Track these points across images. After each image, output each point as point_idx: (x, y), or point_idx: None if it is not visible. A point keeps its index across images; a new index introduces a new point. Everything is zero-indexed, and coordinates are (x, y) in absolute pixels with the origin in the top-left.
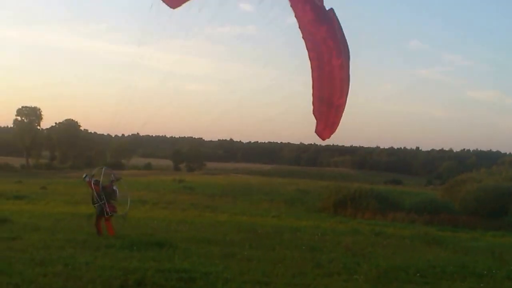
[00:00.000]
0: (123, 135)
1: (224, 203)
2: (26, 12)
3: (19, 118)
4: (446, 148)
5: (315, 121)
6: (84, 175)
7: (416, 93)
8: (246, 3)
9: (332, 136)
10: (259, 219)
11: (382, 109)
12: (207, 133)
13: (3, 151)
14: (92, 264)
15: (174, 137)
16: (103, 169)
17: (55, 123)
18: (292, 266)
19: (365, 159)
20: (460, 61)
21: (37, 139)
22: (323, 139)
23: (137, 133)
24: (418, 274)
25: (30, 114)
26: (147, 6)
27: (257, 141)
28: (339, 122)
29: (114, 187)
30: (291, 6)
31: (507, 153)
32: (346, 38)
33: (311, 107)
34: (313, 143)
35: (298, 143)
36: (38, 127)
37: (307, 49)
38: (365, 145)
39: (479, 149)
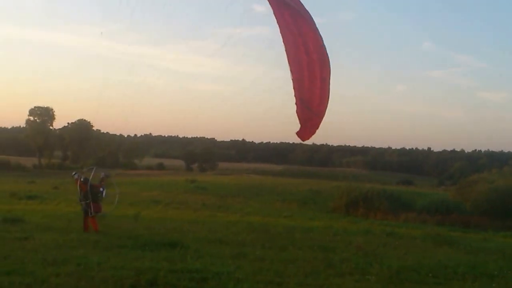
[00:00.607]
0: (135, 135)
1: (236, 203)
2: (37, 12)
3: (31, 118)
4: (458, 149)
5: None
6: (73, 173)
7: (428, 94)
8: (258, 4)
9: (344, 136)
10: (271, 219)
11: (394, 109)
12: (220, 133)
13: (16, 151)
14: (104, 264)
15: (187, 137)
16: (94, 168)
17: (68, 123)
18: (304, 266)
19: (377, 160)
20: (472, 62)
21: (50, 139)
22: (303, 140)
23: (150, 133)
24: (429, 275)
25: (43, 114)
26: (161, 7)
27: (269, 142)
28: (318, 126)
29: (101, 188)
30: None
31: None
32: (360, 39)
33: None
34: (325, 144)
35: (311, 143)
36: (51, 127)
37: (286, 51)
38: (377, 146)
39: (490, 150)
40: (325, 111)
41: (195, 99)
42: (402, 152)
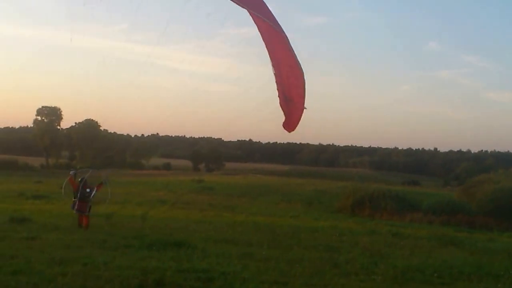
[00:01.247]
0: (142, 135)
1: (242, 203)
2: (41, 11)
3: (39, 118)
4: (464, 149)
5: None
6: (71, 171)
7: (434, 94)
8: (267, 3)
9: (351, 136)
10: (277, 219)
11: (400, 110)
12: (227, 133)
13: (23, 151)
14: (111, 264)
15: (194, 137)
16: (90, 171)
17: (75, 123)
18: (309, 266)
19: (383, 160)
20: (478, 62)
21: (57, 139)
22: (289, 131)
23: (157, 133)
24: (435, 275)
25: (50, 114)
26: (168, 7)
27: (276, 142)
28: (300, 117)
29: (88, 189)
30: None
31: None
32: (365, 39)
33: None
34: (332, 144)
35: (317, 144)
36: (58, 127)
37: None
38: (383, 146)
39: (497, 151)
40: (304, 103)
41: (202, 99)
42: (409, 152)
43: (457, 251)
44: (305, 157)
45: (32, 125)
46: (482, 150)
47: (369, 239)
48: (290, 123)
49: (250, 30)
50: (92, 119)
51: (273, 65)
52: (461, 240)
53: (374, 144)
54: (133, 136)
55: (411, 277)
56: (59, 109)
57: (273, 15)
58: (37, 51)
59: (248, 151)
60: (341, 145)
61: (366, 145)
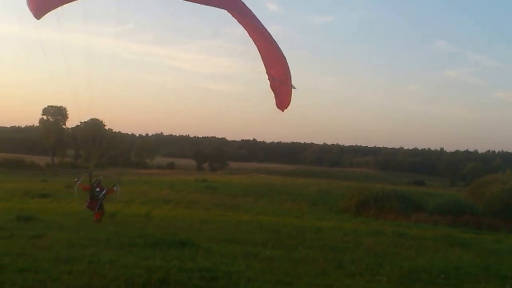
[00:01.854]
0: (147, 134)
1: (246, 203)
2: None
3: (45, 117)
4: (471, 149)
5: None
6: (76, 179)
7: (441, 94)
8: (272, 4)
9: (355, 136)
10: (281, 219)
11: (407, 109)
12: (230, 133)
13: (29, 150)
14: (116, 263)
15: (197, 136)
16: (90, 174)
17: (80, 122)
18: (314, 266)
19: (389, 160)
20: (486, 61)
21: (63, 138)
22: (282, 110)
23: (161, 133)
24: (441, 276)
25: (56, 113)
26: (173, 5)
27: (280, 141)
28: (290, 95)
29: (98, 189)
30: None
31: None
32: (371, 38)
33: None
34: (336, 144)
35: (321, 143)
36: (64, 126)
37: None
38: (389, 146)
39: (504, 151)
40: (291, 81)
41: (206, 99)
42: (414, 152)
43: (464, 252)
44: (309, 156)
45: (38, 124)
46: (489, 150)
47: (374, 239)
48: (283, 102)
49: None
50: (97, 119)
51: (261, 54)
52: (468, 241)
53: (379, 144)
54: (137, 135)
55: (417, 278)
56: (65, 108)
57: (251, 13)
58: (42, 50)
59: (252, 151)
60: (346, 144)
61: (371, 145)
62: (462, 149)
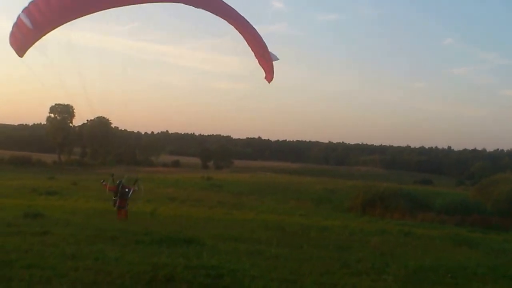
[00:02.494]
0: (152, 132)
1: (251, 201)
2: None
3: (52, 115)
4: (479, 148)
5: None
6: (102, 181)
7: (449, 92)
8: (278, 1)
9: (361, 134)
10: (286, 218)
11: (414, 107)
12: (236, 131)
13: (37, 147)
14: (122, 259)
15: (203, 134)
16: (125, 176)
17: (87, 120)
18: (319, 265)
19: (395, 159)
20: (496, 59)
21: (69, 136)
22: (269, 82)
23: (166, 131)
24: (448, 275)
25: (63, 112)
26: (178, 5)
27: (285, 140)
28: (273, 67)
29: (127, 189)
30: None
31: None
32: (379, 36)
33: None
34: (342, 142)
35: (327, 142)
36: (71, 124)
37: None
38: (395, 144)
39: None
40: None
41: (212, 97)
42: (421, 151)
43: (471, 251)
44: (314, 155)
45: (45, 122)
46: (498, 149)
47: (380, 238)
48: (269, 74)
49: (261, 28)
50: (103, 117)
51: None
52: (476, 240)
53: (385, 142)
54: (143, 133)
55: (423, 277)
56: (72, 106)
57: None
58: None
59: (258, 149)
60: (351, 143)
61: (377, 143)
62: (470, 147)
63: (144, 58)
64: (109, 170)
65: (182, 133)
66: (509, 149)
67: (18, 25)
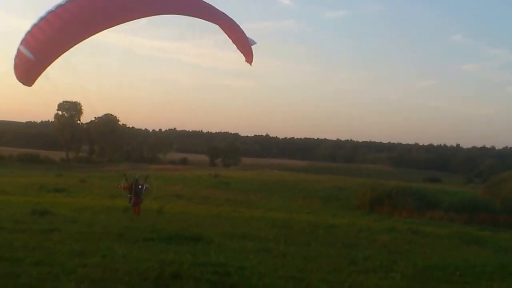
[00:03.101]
0: (160, 130)
1: (258, 199)
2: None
3: (60, 112)
4: (488, 146)
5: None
6: (117, 185)
7: (458, 89)
8: None
9: (369, 132)
10: (294, 215)
11: (422, 105)
12: (244, 128)
13: (44, 145)
14: (129, 256)
15: (211, 132)
16: (138, 174)
17: (95, 117)
18: (327, 263)
19: (403, 156)
20: (505, 55)
21: (77, 133)
22: (250, 64)
23: (174, 128)
24: (456, 273)
25: (71, 109)
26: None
27: (293, 137)
28: (251, 51)
29: (140, 186)
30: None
31: None
32: (386, 32)
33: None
34: (349, 140)
35: (335, 139)
36: (78, 122)
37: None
38: (403, 142)
39: None
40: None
41: (220, 94)
42: (430, 148)
43: (480, 250)
44: (322, 152)
45: (53, 120)
46: (507, 147)
47: (388, 236)
48: (249, 57)
49: (268, 25)
50: (111, 114)
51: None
52: (484, 239)
53: (394, 140)
54: (150, 130)
55: (431, 275)
56: (80, 104)
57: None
58: None
59: (265, 146)
60: (359, 140)
61: (385, 141)
62: (478, 145)
63: (150, 55)
64: (116, 167)
65: (190, 130)
66: None
67: (19, 57)
